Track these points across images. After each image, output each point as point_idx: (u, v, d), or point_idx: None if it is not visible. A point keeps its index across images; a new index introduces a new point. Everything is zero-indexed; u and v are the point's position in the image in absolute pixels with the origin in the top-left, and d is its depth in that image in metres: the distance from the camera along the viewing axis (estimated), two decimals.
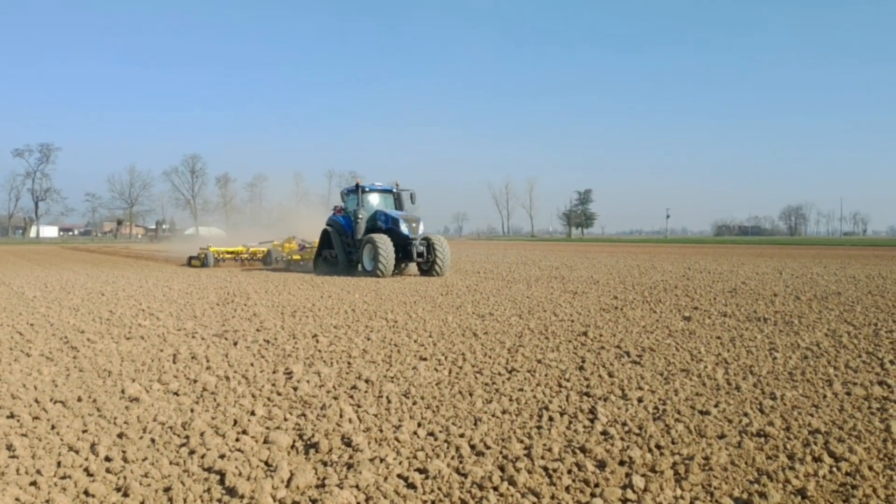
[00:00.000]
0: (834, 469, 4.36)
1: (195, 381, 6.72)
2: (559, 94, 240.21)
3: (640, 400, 6.03)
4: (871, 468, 4.36)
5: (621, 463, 4.48)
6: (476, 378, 6.87)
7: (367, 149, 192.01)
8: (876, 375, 6.97)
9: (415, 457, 4.58)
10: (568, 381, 6.77)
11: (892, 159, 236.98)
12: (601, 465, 4.44)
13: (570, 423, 5.36)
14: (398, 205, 24.38)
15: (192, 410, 5.72)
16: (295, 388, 6.40)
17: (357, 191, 23.72)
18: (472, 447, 4.78)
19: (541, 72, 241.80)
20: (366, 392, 6.31)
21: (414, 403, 5.91)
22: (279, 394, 6.26)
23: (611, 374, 7.03)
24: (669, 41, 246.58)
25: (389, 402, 5.96)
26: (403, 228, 21.94)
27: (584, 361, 7.71)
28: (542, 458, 4.56)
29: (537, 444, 4.77)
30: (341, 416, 5.49)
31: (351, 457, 4.55)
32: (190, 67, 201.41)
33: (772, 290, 16.76)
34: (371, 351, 8.32)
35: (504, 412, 5.65)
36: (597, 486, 4.11)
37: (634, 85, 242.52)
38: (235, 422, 5.39)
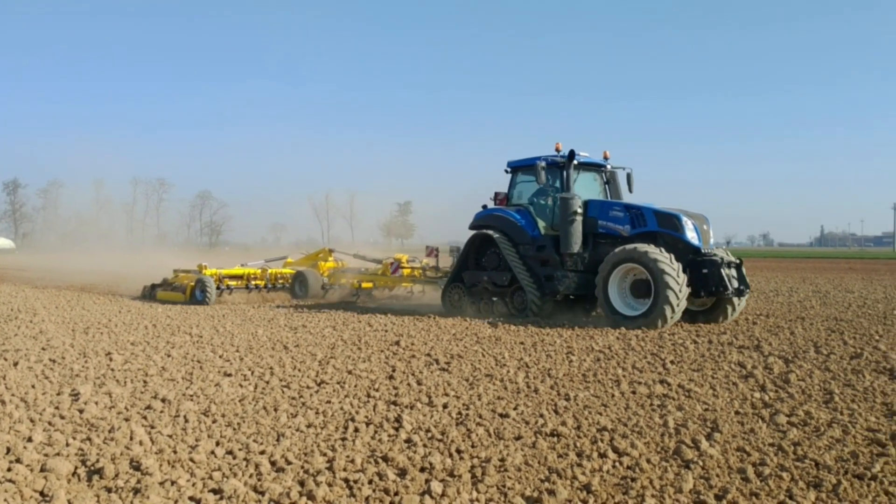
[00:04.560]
0: (617, 464, 4.68)
1: None
2: (379, 96, 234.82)
3: (444, 406, 6.15)
4: (649, 461, 4.72)
5: (422, 469, 4.53)
6: (283, 392, 6.70)
7: (175, 155, 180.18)
8: (658, 375, 7.58)
9: (210, 477, 4.36)
10: (377, 390, 6.78)
11: (708, 176, 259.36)
12: (402, 473, 4.47)
13: (376, 432, 5.36)
14: (611, 192, 14.52)
15: None
16: (81, 411, 5.90)
17: (567, 165, 13.30)
18: (273, 463, 4.64)
19: (359, 70, 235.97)
20: (161, 412, 5.93)
21: (214, 422, 5.64)
22: (62, 417, 5.74)
23: (419, 382, 7.12)
24: (492, 46, 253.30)
25: (187, 421, 5.64)
26: (689, 234, 12.04)
27: (394, 370, 7.76)
28: (345, 469, 4.51)
29: (340, 457, 4.72)
30: (131, 438, 5.12)
31: (139, 481, 4.25)
32: None
33: None
34: (171, 368, 7.86)
35: (309, 426, 5.54)
36: (396, 494, 4.12)
37: (450, 91, 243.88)
38: (8, 450, 4.86)
